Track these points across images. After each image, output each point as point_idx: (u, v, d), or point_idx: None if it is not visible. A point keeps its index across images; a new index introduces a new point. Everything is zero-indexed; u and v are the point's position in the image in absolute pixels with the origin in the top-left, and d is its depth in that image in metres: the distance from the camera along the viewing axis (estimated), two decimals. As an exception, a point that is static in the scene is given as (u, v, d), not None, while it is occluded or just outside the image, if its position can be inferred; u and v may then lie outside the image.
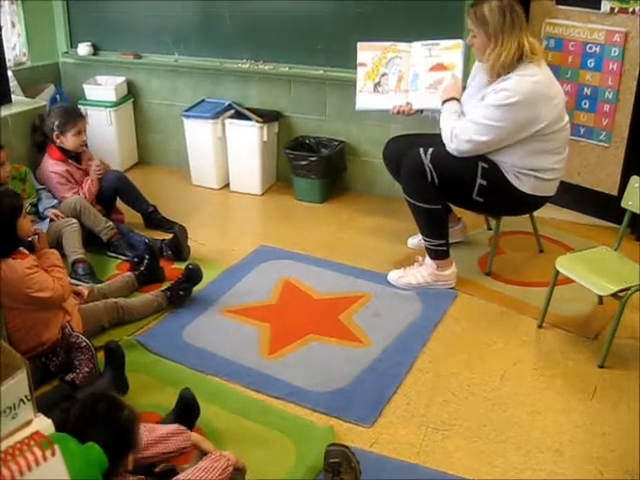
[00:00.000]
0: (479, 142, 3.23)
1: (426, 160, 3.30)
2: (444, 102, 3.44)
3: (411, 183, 3.42)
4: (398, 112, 3.61)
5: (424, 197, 3.38)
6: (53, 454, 1.48)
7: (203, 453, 2.23)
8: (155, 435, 2.15)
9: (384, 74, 3.68)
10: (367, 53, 3.72)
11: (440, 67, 3.56)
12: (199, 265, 3.46)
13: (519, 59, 3.17)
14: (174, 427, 2.24)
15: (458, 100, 3.42)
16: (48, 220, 3.74)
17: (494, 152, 3.29)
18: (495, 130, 3.20)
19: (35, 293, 2.78)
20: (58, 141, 4.01)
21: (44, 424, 1.60)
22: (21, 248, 2.87)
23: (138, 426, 1.96)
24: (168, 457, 2.17)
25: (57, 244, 3.58)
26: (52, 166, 4.02)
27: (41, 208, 3.85)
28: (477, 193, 3.32)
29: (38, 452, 1.49)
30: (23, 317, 2.80)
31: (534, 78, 3.16)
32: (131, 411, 1.94)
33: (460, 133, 3.26)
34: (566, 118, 3.31)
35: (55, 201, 3.93)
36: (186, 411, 2.51)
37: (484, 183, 3.30)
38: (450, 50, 3.56)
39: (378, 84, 3.70)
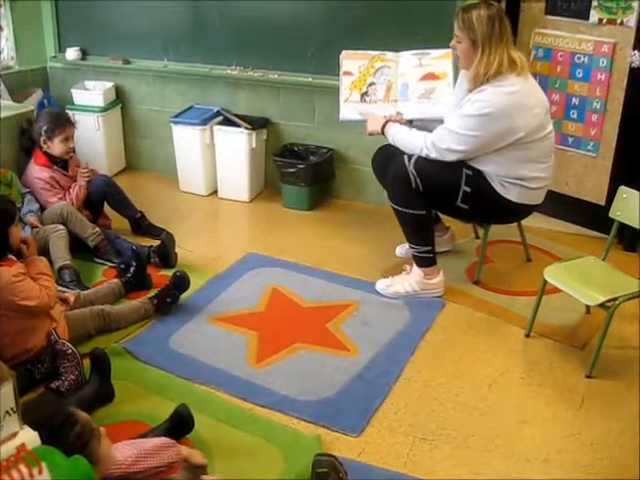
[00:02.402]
0: (457, 151, 3.25)
1: (410, 167, 3.30)
2: (383, 128, 3.51)
3: (396, 189, 3.43)
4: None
5: (408, 203, 3.38)
6: (40, 472, 1.47)
7: (194, 466, 2.22)
8: (145, 448, 2.12)
9: (372, 84, 3.66)
10: (352, 62, 3.68)
11: (431, 76, 3.56)
12: (187, 272, 3.44)
13: (503, 71, 3.17)
14: (163, 440, 2.21)
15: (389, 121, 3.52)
16: (29, 227, 3.70)
17: (477, 160, 3.30)
18: (471, 139, 3.21)
19: (21, 301, 2.75)
20: (45, 146, 3.99)
21: (29, 436, 1.59)
22: (9, 255, 2.85)
23: (95, 442, 1.91)
24: (159, 472, 2.14)
25: (44, 250, 3.54)
26: (37, 172, 3.99)
27: (22, 212, 3.81)
28: (461, 200, 3.33)
29: (24, 470, 1.47)
30: (9, 324, 2.77)
31: (510, 89, 3.16)
32: (85, 427, 1.89)
33: (437, 141, 3.27)
34: (549, 127, 3.31)
35: (36, 206, 3.89)
36: (180, 427, 2.49)
37: (468, 190, 3.30)
38: (440, 59, 3.56)
39: (365, 94, 3.67)
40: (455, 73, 3.55)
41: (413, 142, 3.37)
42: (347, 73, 3.69)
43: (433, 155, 3.28)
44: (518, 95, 3.18)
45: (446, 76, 3.56)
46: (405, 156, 3.35)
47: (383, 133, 3.52)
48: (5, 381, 1.52)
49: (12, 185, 3.88)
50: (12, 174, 3.92)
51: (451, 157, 3.27)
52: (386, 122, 3.51)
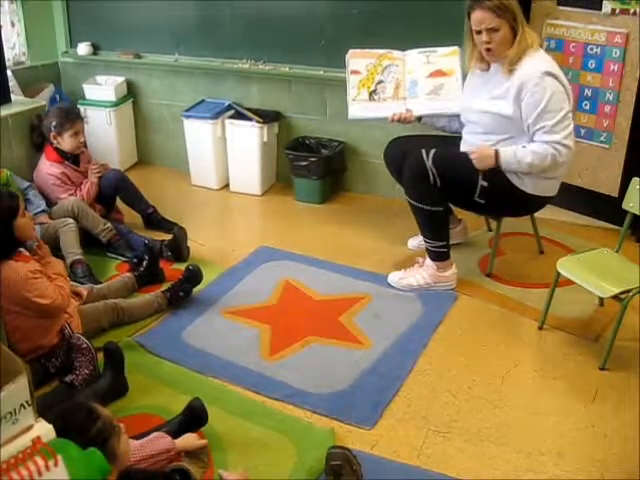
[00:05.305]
0: (569, 133, 3.16)
1: (428, 162, 3.28)
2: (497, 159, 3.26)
3: (413, 185, 3.40)
4: (398, 120, 3.55)
5: (426, 199, 3.37)
6: (56, 464, 1.47)
7: (195, 451, 2.30)
8: (136, 443, 2.19)
9: (380, 82, 3.64)
10: (360, 60, 3.65)
11: (439, 73, 3.55)
12: (199, 266, 3.45)
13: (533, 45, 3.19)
14: (154, 434, 2.29)
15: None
16: (39, 227, 3.66)
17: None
18: (567, 115, 3.14)
19: (34, 298, 2.75)
20: (55, 142, 4.00)
21: (45, 429, 1.59)
22: (23, 250, 2.84)
23: (116, 438, 1.93)
24: (157, 460, 2.22)
25: (54, 245, 3.53)
26: (48, 167, 4.00)
27: (31, 212, 3.70)
28: (479, 194, 3.32)
29: (40, 462, 1.48)
30: (21, 320, 2.78)
31: (545, 57, 3.20)
32: (106, 423, 1.91)
33: (560, 139, 3.16)
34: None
35: (44, 204, 3.88)
36: (194, 420, 2.51)
37: (485, 184, 3.28)
38: (448, 57, 3.55)
39: (374, 92, 3.64)
40: (463, 69, 3.53)
41: (539, 155, 3.16)
42: (354, 72, 3.66)
43: (562, 157, 3.16)
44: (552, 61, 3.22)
45: (454, 72, 3.53)
46: (423, 150, 3.31)
47: (497, 165, 3.25)
48: (20, 374, 1.53)
49: (9, 184, 3.78)
50: (7, 172, 3.82)
51: (569, 142, 3.16)
52: (496, 152, 3.24)
